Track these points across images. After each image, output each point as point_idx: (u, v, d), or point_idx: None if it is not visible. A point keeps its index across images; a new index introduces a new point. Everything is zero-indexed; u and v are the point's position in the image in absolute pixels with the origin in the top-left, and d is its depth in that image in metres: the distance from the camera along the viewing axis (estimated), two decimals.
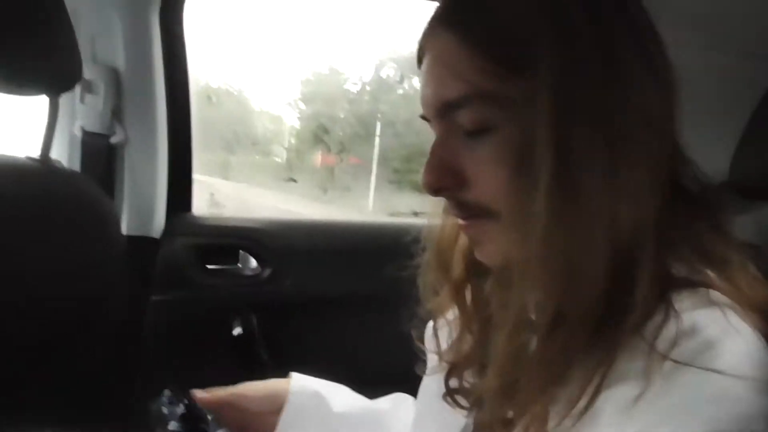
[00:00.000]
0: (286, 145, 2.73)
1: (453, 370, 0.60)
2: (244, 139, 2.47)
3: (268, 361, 1.18)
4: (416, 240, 0.62)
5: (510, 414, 0.48)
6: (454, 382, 0.60)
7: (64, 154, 1.19)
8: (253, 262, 1.25)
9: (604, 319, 0.43)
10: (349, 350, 1.25)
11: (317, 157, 2.70)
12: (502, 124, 0.47)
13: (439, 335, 0.63)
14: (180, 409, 0.78)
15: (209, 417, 0.77)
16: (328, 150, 2.62)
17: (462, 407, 0.60)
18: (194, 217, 1.27)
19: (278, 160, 2.69)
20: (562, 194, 0.43)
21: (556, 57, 0.44)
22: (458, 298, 0.60)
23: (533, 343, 0.46)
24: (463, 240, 0.58)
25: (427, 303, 0.62)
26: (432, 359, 0.64)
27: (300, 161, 2.66)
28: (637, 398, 0.40)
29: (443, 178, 0.50)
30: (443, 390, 0.61)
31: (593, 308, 0.43)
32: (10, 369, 0.91)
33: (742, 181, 0.93)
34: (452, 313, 0.62)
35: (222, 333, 1.19)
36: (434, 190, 0.50)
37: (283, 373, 1.18)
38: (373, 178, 2.53)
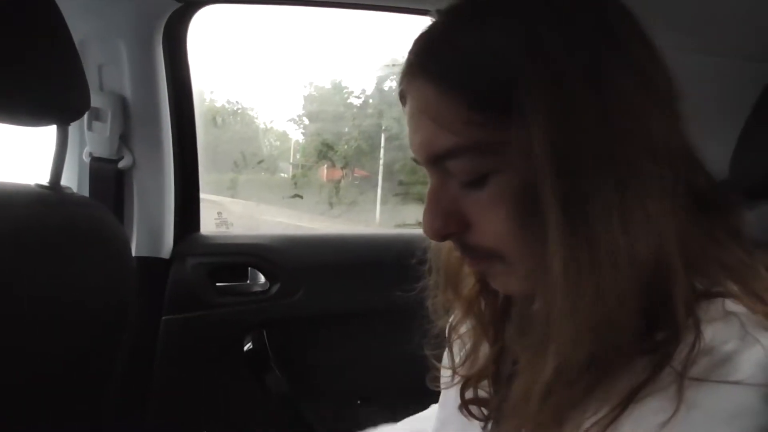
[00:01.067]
0: (292, 161, 2.75)
1: (468, 381, 0.59)
2: (250, 158, 2.50)
3: (280, 375, 1.19)
4: (425, 250, 0.61)
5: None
6: (469, 394, 0.59)
7: (73, 180, 1.22)
8: (262, 278, 1.27)
9: (636, 349, 0.42)
10: (360, 364, 1.26)
11: (323, 172, 2.72)
12: (499, 169, 0.44)
13: (453, 349, 0.62)
14: None
15: None
16: (333, 165, 2.64)
17: (477, 418, 0.59)
18: (203, 237, 1.29)
19: (284, 176, 2.71)
20: (574, 242, 0.40)
21: (543, 96, 0.41)
22: (471, 314, 0.59)
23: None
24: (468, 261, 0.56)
25: (438, 322, 0.62)
26: (446, 373, 0.63)
27: (306, 177, 2.68)
28: (661, 421, 0.39)
29: (446, 223, 0.48)
30: (458, 401, 0.60)
31: (626, 349, 0.41)
32: (24, 392, 0.92)
33: (743, 180, 0.93)
34: (465, 327, 0.61)
35: (234, 350, 1.21)
36: (437, 235, 0.48)
37: (295, 388, 1.20)
38: (378, 191, 2.54)
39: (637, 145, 0.41)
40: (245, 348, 1.20)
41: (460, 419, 0.62)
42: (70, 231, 0.96)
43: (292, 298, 1.24)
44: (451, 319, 0.62)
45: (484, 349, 0.59)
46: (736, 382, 0.38)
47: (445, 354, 0.64)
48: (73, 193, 1.01)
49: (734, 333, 0.40)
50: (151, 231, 1.24)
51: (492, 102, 0.43)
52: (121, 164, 1.19)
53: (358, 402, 1.17)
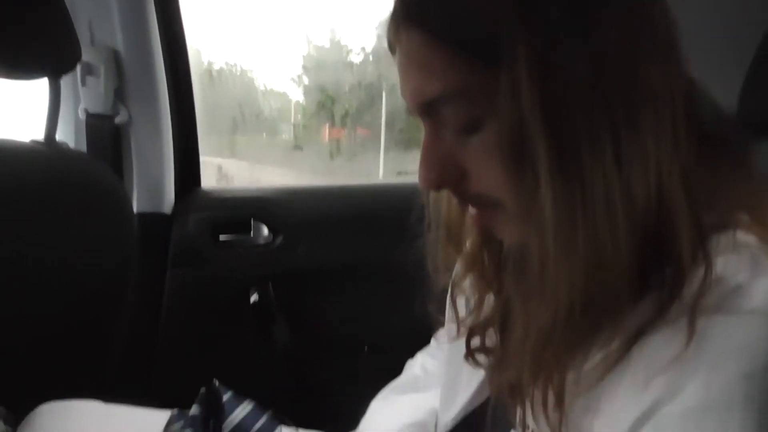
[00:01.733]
0: (293, 121, 2.73)
1: (474, 331, 0.59)
2: (249, 119, 2.48)
3: (286, 327, 1.20)
4: (424, 206, 0.60)
5: (526, 377, 0.47)
6: (475, 343, 0.59)
7: (70, 138, 1.21)
8: (265, 232, 1.26)
9: (641, 286, 0.41)
10: (366, 314, 1.26)
11: (324, 132, 2.69)
12: (490, 116, 0.43)
13: (457, 303, 0.61)
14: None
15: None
16: (335, 123, 2.61)
17: (483, 366, 0.60)
18: (204, 191, 1.29)
19: (285, 137, 2.69)
20: (565, 185, 0.40)
21: (530, 42, 0.40)
22: (474, 268, 0.58)
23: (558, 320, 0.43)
24: (471, 213, 0.55)
25: (440, 279, 0.61)
26: (451, 327, 0.63)
27: (307, 136, 2.66)
28: (673, 355, 0.39)
29: (441, 173, 0.47)
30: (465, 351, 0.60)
31: (625, 287, 0.41)
32: (31, 348, 0.94)
33: (753, 115, 0.92)
34: (467, 282, 0.61)
35: (239, 303, 1.21)
36: (435, 186, 0.48)
37: (301, 340, 1.21)
38: (382, 145, 2.52)
39: (631, 89, 0.41)
40: (251, 301, 1.21)
41: (467, 370, 0.62)
42: (66, 186, 0.96)
43: (296, 251, 1.24)
44: (453, 275, 0.62)
45: (489, 300, 0.59)
46: (749, 312, 0.38)
47: (449, 309, 0.64)
48: (68, 149, 1.01)
49: (745, 263, 0.39)
50: (152, 187, 1.23)
51: (479, 48, 0.42)
52: (117, 120, 1.18)
53: (366, 348, 1.17)
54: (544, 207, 0.41)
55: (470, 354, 0.59)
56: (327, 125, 2.62)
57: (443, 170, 0.47)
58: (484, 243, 0.57)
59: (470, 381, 0.66)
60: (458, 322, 0.61)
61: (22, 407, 0.85)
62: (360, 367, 0.98)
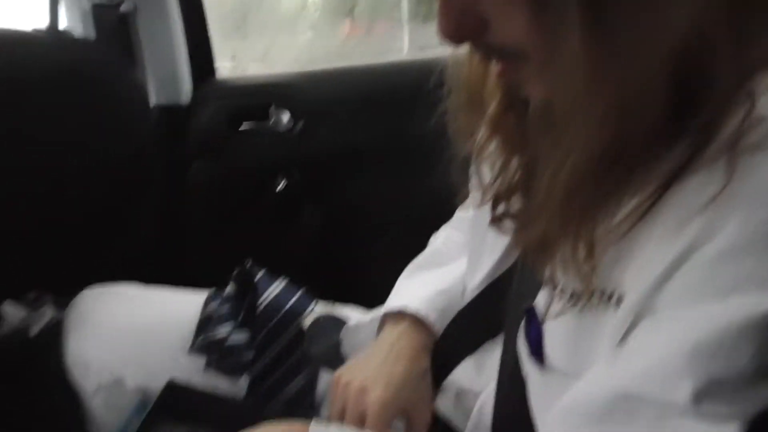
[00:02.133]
0: (311, 22, 2.61)
1: (499, 197, 0.56)
2: (265, 20, 2.37)
3: (314, 211, 1.20)
4: (443, 72, 0.57)
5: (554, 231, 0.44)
6: (501, 208, 0.57)
7: (77, 31, 1.16)
8: (285, 118, 1.23)
9: (676, 130, 0.38)
10: (393, 194, 1.23)
11: (345, 28, 2.58)
12: None
13: (481, 169, 0.59)
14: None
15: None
16: (354, 18, 2.49)
17: (509, 232, 0.57)
18: (220, 81, 1.26)
19: (304, 37, 2.58)
20: (593, 26, 0.36)
21: None
22: (499, 131, 0.55)
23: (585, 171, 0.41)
24: (495, 70, 0.51)
25: (462, 147, 0.58)
26: (476, 196, 0.61)
27: (326, 35, 2.54)
28: (711, 195, 0.36)
29: (461, 23, 0.43)
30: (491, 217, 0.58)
31: (659, 132, 0.38)
32: (63, 234, 0.95)
33: None
34: (492, 146, 0.57)
35: (264, 191, 1.21)
36: (454, 38, 0.44)
37: (329, 223, 1.22)
38: (404, 13, 2.38)
39: None
40: (277, 189, 1.20)
41: (492, 237, 0.61)
42: (76, 74, 0.93)
43: (319, 135, 1.21)
44: (477, 141, 0.59)
45: (514, 164, 0.55)
46: None
47: (473, 177, 0.61)
48: (73, 37, 0.97)
49: None
50: (166, 78, 1.20)
51: None
52: (123, 8, 1.13)
53: (393, 227, 1.17)
54: (570, 52, 0.37)
55: (496, 220, 0.57)
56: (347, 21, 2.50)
57: (463, 20, 0.43)
58: (508, 103, 0.53)
59: (495, 246, 0.65)
60: (483, 188, 0.58)
61: (66, 293, 0.87)
62: (390, 244, 0.97)
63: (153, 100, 1.20)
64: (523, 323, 0.57)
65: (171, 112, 1.21)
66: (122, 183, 1.05)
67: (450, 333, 0.75)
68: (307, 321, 0.82)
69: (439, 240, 0.83)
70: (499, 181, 0.56)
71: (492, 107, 0.54)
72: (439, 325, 0.71)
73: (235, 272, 0.87)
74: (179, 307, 0.84)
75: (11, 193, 0.83)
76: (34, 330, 0.86)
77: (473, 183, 0.61)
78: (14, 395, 0.83)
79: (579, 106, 0.38)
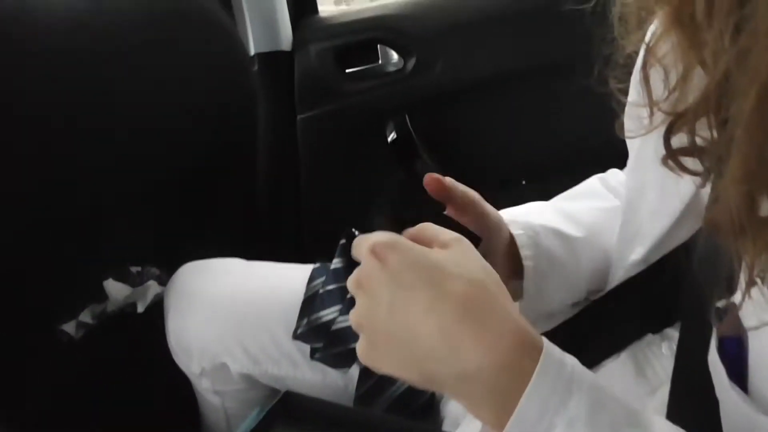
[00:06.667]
0: None
1: (676, 122, 0.41)
2: None
3: (431, 162, 1.07)
4: None
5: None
6: (679, 139, 0.41)
7: None
8: (395, 56, 1.11)
9: None
10: (523, 136, 1.09)
11: None
12: None
13: (651, 79, 0.43)
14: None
15: None
16: None
17: (692, 172, 0.42)
18: (322, 19, 1.15)
19: None
20: None
21: None
22: (679, 22, 0.40)
23: None
24: None
25: (627, 40, 0.44)
26: (641, 113, 0.45)
27: None
28: None
29: None
30: (662, 152, 0.43)
31: None
32: (166, 203, 0.90)
33: None
34: (668, 45, 0.42)
35: (376, 139, 1.10)
36: None
37: (449, 174, 1.07)
38: None
39: None
40: (389, 138, 1.08)
41: (663, 178, 0.46)
42: (161, 21, 0.85)
43: (432, 72, 1.07)
44: (648, 36, 0.43)
45: (700, 74, 0.39)
46: None
47: (637, 87, 0.45)
48: None
49: None
50: (265, 21, 1.10)
51: None
52: None
53: (523, 183, 1.01)
54: None
55: (671, 155, 0.41)
56: None
57: None
58: None
59: (665, 205, 0.50)
60: (651, 105, 0.42)
61: (170, 265, 0.83)
62: (518, 203, 0.83)
63: (252, 48, 1.11)
64: (714, 330, 0.41)
65: (274, 60, 1.12)
66: (226, 143, 0.98)
67: (587, 320, 0.60)
68: None
69: (595, 179, 0.68)
70: (675, 96, 0.40)
71: None
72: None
73: (341, 242, 0.77)
74: (282, 282, 0.76)
75: (101, 156, 0.78)
76: (140, 307, 0.82)
77: (636, 95, 0.46)
78: (128, 377, 0.80)
79: None
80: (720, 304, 0.42)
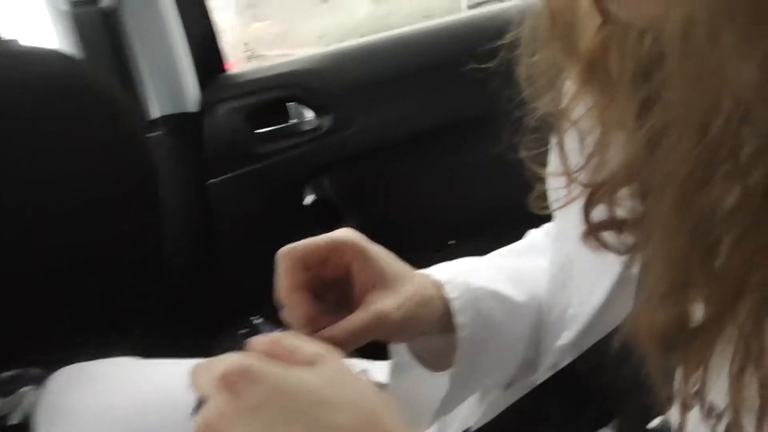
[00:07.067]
0: None
1: (596, 193, 0.38)
2: None
3: (350, 222, 0.99)
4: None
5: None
6: (599, 213, 0.37)
7: (57, 39, 0.99)
8: (309, 114, 1.04)
9: None
10: (445, 195, 1.03)
11: None
12: None
13: (567, 145, 0.40)
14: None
15: None
16: None
17: (616, 251, 0.38)
18: (231, 77, 1.07)
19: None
20: None
21: None
22: (595, 79, 0.37)
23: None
24: None
25: (539, 104, 0.41)
26: (558, 184, 0.42)
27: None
28: None
29: None
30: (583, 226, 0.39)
31: None
32: (57, 296, 0.79)
33: None
34: (582, 107, 0.38)
35: (294, 202, 1.02)
36: None
37: (373, 237, 1.00)
38: None
39: None
40: (305, 201, 1.00)
41: (589, 253, 0.40)
42: (46, 94, 0.76)
43: (349, 130, 1.01)
44: (563, 96, 0.40)
45: (619, 139, 0.36)
46: None
47: (554, 154, 0.42)
48: (23, 46, 0.79)
49: None
50: (169, 81, 1.02)
51: None
52: (103, 4, 0.94)
53: (451, 243, 0.94)
54: None
55: (592, 231, 0.38)
56: None
57: None
58: (610, 38, 0.35)
59: (593, 281, 0.44)
60: (569, 175, 0.39)
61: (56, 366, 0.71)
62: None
63: (156, 110, 1.02)
64: None
65: (179, 123, 1.03)
66: (125, 222, 0.88)
67: (515, 415, 0.52)
68: None
69: (540, 232, 0.60)
70: (595, 161, 0.37)
71: (585, 41, 0.36)
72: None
73: (239, 332, 0.68)
74: (177, 383, 0.65)
75: None
76: (15, 419, 0.70)
77: (554, 164, 0.42)
78: None
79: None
80: (655, 423, 0.35)
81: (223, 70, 1.08)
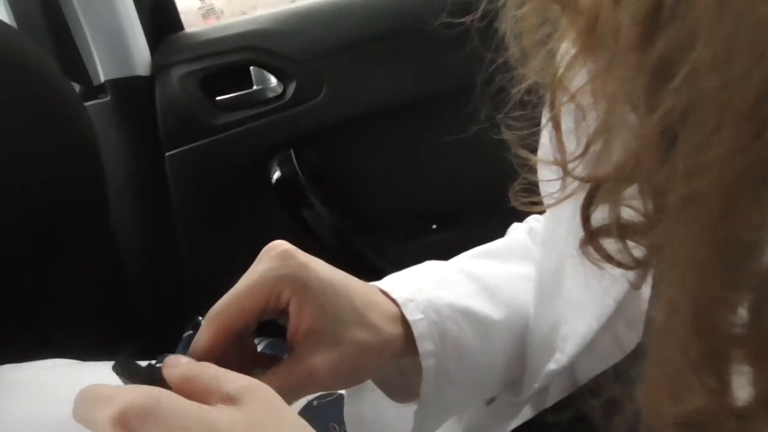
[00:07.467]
0: None
1: (598, 190, 0.30)
2: None
3: (320, 202, 0.92)
4: None
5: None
6: (601, 214, 0.29)
7: None
8: (273, 80, 0.94)
9: None
10: (429, 176, 0.94)
11: None
12: None
13: (564, 125, 0.32)
14: None
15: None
16: None
17: (621, 264, 0.30)
18: (185, 37, 0.96)
19: None
20: None
21: None
22: (600, 39, 0.28)
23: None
24: None
25: (528, 70, 0.33)
26: (549, 174, 0.35)
27: None
28: None
29: None
30: (578, 233, 0.31)
31: None
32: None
33: None
34: (582, 76, 0.29)
35: (258, 177, 0.94)
36: None
37: (343, 221, 0.96)
38: None
39: None
40: (273, 177, 0.91)
41: (584, 266, 0.32)
42: None
43: (316, 99, 0.91)
44: (557, 61, 0.31)
45: (629, 121, 0.27)
46: None
47: (545, 137, 0.35)
48: None
49: None
50: (115, 41, 0.91)
51: None
52: None
53: (433, 227, 0.86)
54: None
55: (591, 237, 0.30)
56: None
57: None
58: None
59: (590, 297, 0.37)
60: (564, 164, 0.31)
61: None
62: (426, 252, 0.69)
63: (102, 74, 0.92)
64: None
65: (128, 88, 0.93)
66: (66, 197, 0.79)
67: None
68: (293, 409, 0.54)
69: (522, 229, 0.53)
70: (597, 148, 0.28)
71: None
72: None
73: (186, 334, 0.60)
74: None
75: None
76: None
77: (546, 149, 0.35)
78: None
79: None
80: None
81: (176, 30, 0.97)
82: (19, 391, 0.58)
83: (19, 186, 0.70)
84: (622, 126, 0.27)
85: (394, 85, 0.91)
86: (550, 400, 0.43)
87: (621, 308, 0.36)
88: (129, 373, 0.32)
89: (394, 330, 0.38)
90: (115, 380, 0.52)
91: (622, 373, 0.37)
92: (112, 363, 0.36)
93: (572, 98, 0.30)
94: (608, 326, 0.37)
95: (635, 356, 0.36)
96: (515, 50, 0.33)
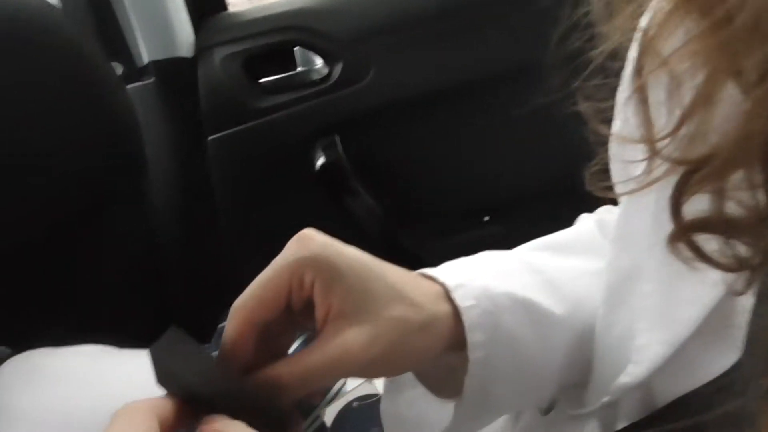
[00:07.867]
0: None
1: (695, 175, 0.26)
2: None
3: (365, 191, 0.90)
4: None
5: None
6: (697, 205, 0.26)
7: None
8: (318, 61, 0.92)
9: None
10: (483, 165, 0.91)
11: None
12: None
13: (651, 96, 0.28)
14: None
15: None
16: None
17: (719, 265, 0.27)
18: (229, 16, 0.95)
19: None
20: None
21: None
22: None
23: None
24: None
25: (611, 29, 0.31)
26: (634, 155, 0.30)
27: None
28: None
29: None
30: (667, 225, 0.27)
31: None
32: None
33: None
34: (675, 41, 0.27)
35: (301, 162, 0.92)
36: None
37: (389, 209, 0.94)
38: None
39: None
40: (317, 163, 0.89)
41: (670, 264, 0.29)
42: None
43: (364, 82, 0.88)
44: (644, 21, 0.29)
45: (735, 94, 0.24)
46: None
47: (628, 109, 0.31)
48: None
49: None
50: (158, 22, 0.91)
51: None
52: None
53: (485, 219, 0.84)
54: None
55: (683, 231, 0.27)
56: None
57: None
58: None
59: (672, 304, 0.33)
60: (651, 142, 0.28)
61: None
62: (478, 248, 0.66)
63: (146, 55, 0.92)
64: None
65: (172, 70, 0.92)
66: (107, 181, 0.79)
67: None
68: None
69: (591, 219, 0.49)
70: (694, 125, 0.26)
71: None
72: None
73: (220, 325, 0.59)
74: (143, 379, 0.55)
75: None
76: None
77: (625, 131, 0.32)
78: None
79: None
80: None
81: (220, 9, 0.96)
82: (49, 377, 0.57)
83: (60, 170, 0.70)
84: (726, 98, 0.24)
85: (450, 65, 0.88)
86: (622, 420, 0.38)
87: (714, 318, 0.31)
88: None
89: (439, 308, 0.34)
90: (142, 371, 0.49)
91: (713, 396, 0.33)
92: (140, 351, 0.34)
93: (664, 63, 0.26)
94: (697, 338, 0.32)
95: (731, 377, 0.31)
96: (598, 4, 0.29)
